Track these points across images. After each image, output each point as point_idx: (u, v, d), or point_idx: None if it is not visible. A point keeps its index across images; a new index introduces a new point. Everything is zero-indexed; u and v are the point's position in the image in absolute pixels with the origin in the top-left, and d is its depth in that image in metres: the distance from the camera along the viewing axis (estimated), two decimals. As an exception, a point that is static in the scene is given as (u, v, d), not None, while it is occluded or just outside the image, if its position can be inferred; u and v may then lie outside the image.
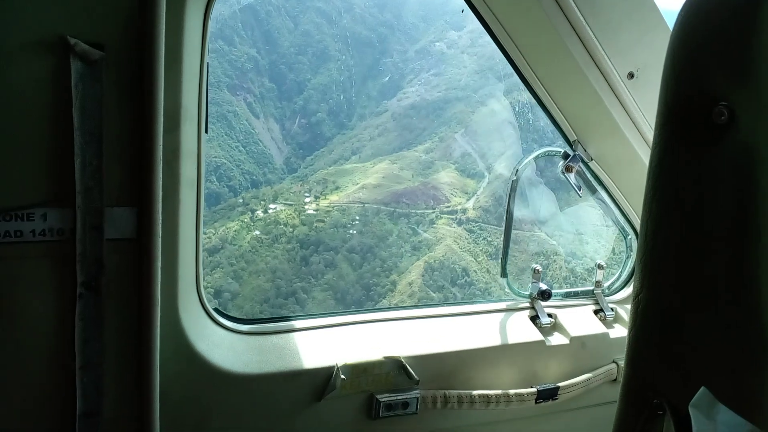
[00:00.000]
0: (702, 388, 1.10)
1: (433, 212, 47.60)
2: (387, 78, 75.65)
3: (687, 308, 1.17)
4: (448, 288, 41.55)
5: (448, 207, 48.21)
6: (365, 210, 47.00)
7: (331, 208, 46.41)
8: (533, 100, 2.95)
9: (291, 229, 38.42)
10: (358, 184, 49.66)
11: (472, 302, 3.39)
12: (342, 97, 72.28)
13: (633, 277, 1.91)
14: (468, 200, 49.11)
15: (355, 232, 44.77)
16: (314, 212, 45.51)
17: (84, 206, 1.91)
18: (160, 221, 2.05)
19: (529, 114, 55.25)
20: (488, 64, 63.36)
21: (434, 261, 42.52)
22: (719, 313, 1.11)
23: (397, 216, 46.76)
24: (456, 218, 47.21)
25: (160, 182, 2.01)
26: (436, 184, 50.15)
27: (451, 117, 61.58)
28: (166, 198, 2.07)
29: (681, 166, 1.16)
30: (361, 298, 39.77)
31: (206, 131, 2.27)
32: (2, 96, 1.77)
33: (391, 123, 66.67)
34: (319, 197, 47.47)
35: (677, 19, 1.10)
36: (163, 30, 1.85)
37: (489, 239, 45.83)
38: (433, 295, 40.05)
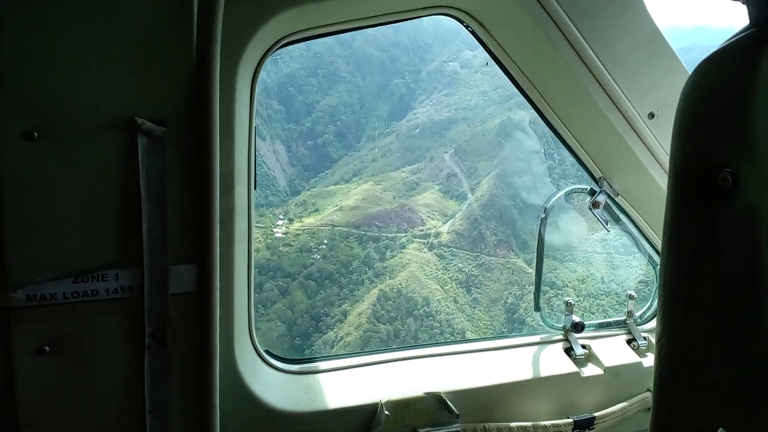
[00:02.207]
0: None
1: (405, 236, 42.66)
2: (397, 99, 71.81)
3: (705, 352, 1.21)
4: (401, 319, 36.29)
5: (422, 230, 43.21)
6: (334, 233, 42.41)
7: (301, 232, 42.15)
8: (533, 115, 2.76)
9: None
10: (337, 206, 45.09)
11: (508, 336, 3.15)
12: (351, 119, 68.92)
13: (655, 320, 1.71)
14: (444, 223, 43.93)
15: (318, 257, 40.45)
16: (283, 236, 41.24)
17: (151, 265, 1.97)
18: (218, 275, 2.07)
19: (523, 134, 50.15)
20: (500, 83, 58.03)
21: (391, 289, 37.50)
22: (735, 356, 1.16)
23: (366, 240, 42.06)
24: (428, 242, 42.19)
25: (218, 240, 2.04)
26: (414, 206, 45.31)
27: (452, 137, 56.93)
28: (223, 253, 2.10)
29: (693, 224, 1.20)
30: (308, 329, 35.09)
31: (255, 188, 2.32)
32: (81, 171, 1.84)
33: (395, 144, 62.78)
34: (294, 220, 43.24)
35: (684, 90, 1.16)
36: (218, 104, 1.92)
37: (460, 266, 40.77)
38: (381, 327, 34.93)
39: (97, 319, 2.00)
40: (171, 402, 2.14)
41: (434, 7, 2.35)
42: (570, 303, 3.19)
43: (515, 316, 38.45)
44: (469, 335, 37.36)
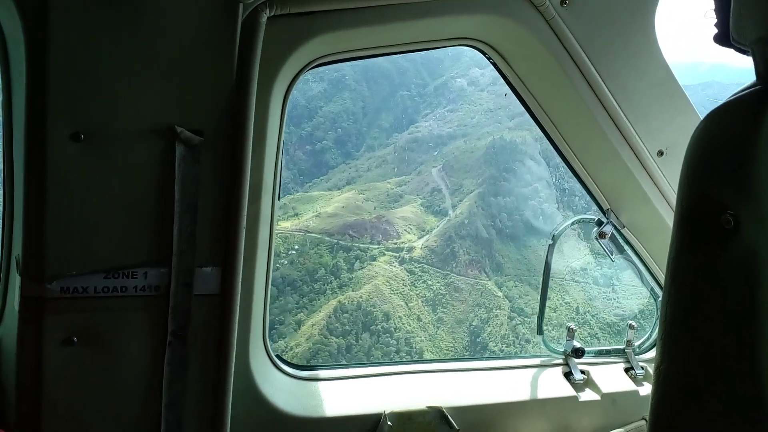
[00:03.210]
0: None
1: (378, 247, 40.66)
2: (401, 111, 70.18)
3: (702, 382, 1.26)
4: (356, 334, 34.22)
5: (395, 244, 41.20)
6: (306, 239, 40.59)
7: (274, 235, 40.17)
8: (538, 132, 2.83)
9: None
10: (316, 212, 43.29)
11: (510, 357, 3.65)
12: (352, 127, 67.42)
13: (655, 348, 1.67)
14: (420, 238, 41.80)
15: (286, 262, 38.58)
16: (254, 237, 39.42)
17: (178, 266, 2.05)
18: (240, 279, 2.15)
19: (511, 154, 47.97)
20: (504, 103, 56.05)
21: (350, 302, 35.51)
22: (731, 387, 1.21)
23: (337, 248, 40.23)
24: (399, 256, 40.11)
25: (243, 245, 2.11)
26: (392, 218, 43.37)
27: (447, 152, 54.98)
28: (246, 259, 2.17)
29: (696, 261, 1.25)
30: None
31: (279, 198, 2.39)
32: (120, 173, 1.92)
33: (391, 155, 61.01)
34: (269, 223, 41.39)
35: (693, 136, 1.22)
36: (253, 118, 2.01)
37: (429, 282, 38.74)
38: (333, 340, 32.93)
39: (123, 313, 2.03)
40: (186, 398, 2.15)
41: (460, 38, 2.38)
42: (572, 329, 3.09)
43: (478, 339, 36.17)
44: (427, 356, 35.15)
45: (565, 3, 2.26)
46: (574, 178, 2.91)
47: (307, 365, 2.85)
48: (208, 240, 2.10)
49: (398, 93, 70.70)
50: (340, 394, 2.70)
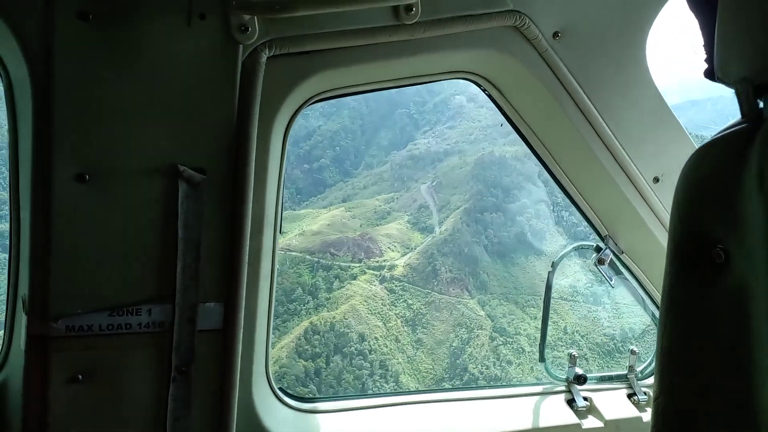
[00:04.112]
0: None
1: (359, 266, 38.94)
2: (399, 128, 68.94)
3: (700, 412, 1.30)
4: (326, 357, 32.31)
5: (377, 262, 39.39)
6: (287, 258, 39.04)
7: (254, 255, 38.79)
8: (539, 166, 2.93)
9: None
10: (300, 230, 41.74)
11: (512, 385, 3.21)
12: (350, 145, 66.30)
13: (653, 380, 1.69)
14: (403, 256, 39.93)
15: (263, 282, 36.67)
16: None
17: (182, 302, 2.05)
18: (243, 313, 2.12)
19: (498, 170, 46.00)
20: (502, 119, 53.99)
21: (323, 323, 33.64)
22: (727, 419, 1.25)
23: (317, 267, 38.60)
24: (380, 275, 38.24)
25: (245, 280, 2.10)
26: (376, 235, 41.65)
27: (442, 169, 53.27)
28: (248, 293, 2.14)
29: (689, 294, 1.28)
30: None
31: (281, 231, 2.36)
32: (124, 211, 1.95)
33: (388, 172, 59.60)
34: (251, 242, 40.04)
35: (682, 171, 1.25)
36: (254, 155, 2.03)
37: (410, 302, 36.82)
38: (301, 363, 31.06)
39: (128, 350, 2.06)
40: None
41: (455, 71, 2.42)
42: (574, 355, 3.01)
43: (458, 361, 33.96)
44: (403, 378, 33.04)
45: (558, 36, 2.33)
46: (572, 205, 2.95)
47: (311, 397, 2.83)
48: (211, 276, 2.09)
49: (397, 111, 69.53)
50: (344, 427, 2.67)
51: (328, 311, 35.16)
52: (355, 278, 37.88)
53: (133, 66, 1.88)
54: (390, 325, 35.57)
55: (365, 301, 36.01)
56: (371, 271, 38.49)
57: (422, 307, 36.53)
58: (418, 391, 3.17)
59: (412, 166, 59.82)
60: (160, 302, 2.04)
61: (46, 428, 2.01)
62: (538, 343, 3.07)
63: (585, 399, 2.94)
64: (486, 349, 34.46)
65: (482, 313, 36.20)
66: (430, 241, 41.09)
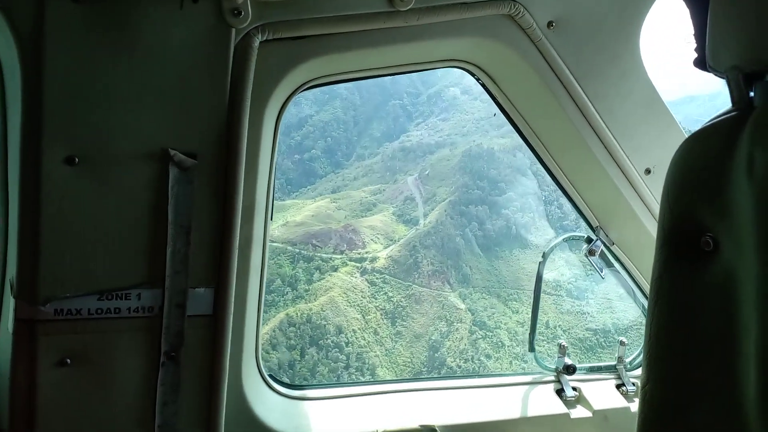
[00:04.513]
0: None
1: (341, 257, 38.22)
2: (392, 119, 68.09)
3: (686, 399, 1.32)
4: (301, 349, 31.70)
5: (359, 254, 38.68)
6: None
7: (235, 245, 38.20)
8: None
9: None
10: (284, 221, 41.03)
11: (501, 375, 3.35)
12: (342, 136, 65.51)
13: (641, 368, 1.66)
14: (385, 248, 39.21)
15: (243, 273, 36.09)
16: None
17: (171, 287, 2.04)
18: (233, 299, 2.12)
19: (485, 162, 45.20)
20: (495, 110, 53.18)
21: (299, 315, 33.01)
22: (714, 405, 1.27)
23: (298, 258, 37.95)
24: (361, 267, 37.55)
25: (235, 266, 2.10)
26: (359, 227, 40.97)
27: (432, 161, 52.48)
28: (238, 279, 2.13)
29: (677, 281, 1.30)
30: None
31: (271, 219, 2.36)
32: (115, 195, 1.94)
33: (378, 164, 58.83)
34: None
35: (672, 160, 1.27)
36: (246, 141, 2.03)
37: (390, 294, 36.20)
38: (274, 355, 30.43)
39: (117, 335, 2.05)
40: (179, 418, 2.17)
41: (449, 60, 2.43)
42: (563, 345, 3.05)
43: (437, 354, 33.32)
44: (380, 371, 32.43)
45: (552, 25, 2.32)
46: (563, 195, 2.94)
47: (300, 384, 2.84)
48: (201, 261, 2.07)
49: (390, 102, 68.64)
50: (334, 414, 2.67)
51: (306, 303, 34.53)
52: (336, 270, 37.26)
53: (124, 49, 1.87)
54: (369, 317, 34.96)
55: (344, 293, 35.40)
56: (353, 263, 37.85)
57: (402, 299, 35.88)
58: (407, 380, 3.18)
59: (403, 158, 59.05)
60: (149, 287, 2.03)
61: (34, 411, 2.00)
62: (528, 333, 3.12)
63: (574, 389, 2.93)
64: (465, 342, 33.83)
65: (462, 306, 35.56)
66: (414, 233, 40.37)
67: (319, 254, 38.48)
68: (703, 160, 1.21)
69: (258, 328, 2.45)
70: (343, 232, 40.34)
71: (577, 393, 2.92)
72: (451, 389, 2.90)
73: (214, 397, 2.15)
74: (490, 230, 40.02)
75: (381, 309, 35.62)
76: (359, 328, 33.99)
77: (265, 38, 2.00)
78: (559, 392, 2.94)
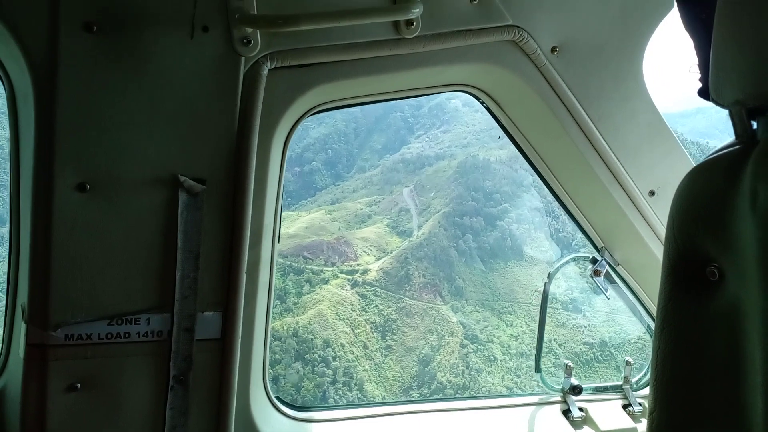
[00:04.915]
0: None
1: (332, 270, 37.50)
2: (394, 132, 67.58)
3: (694, 427, 1.31)
4: (286, 364, 30.87)
5: (351, 266, 37.91)
6: (259, 262, 37.47)
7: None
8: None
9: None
10: (277, 233, 40.22)
11: (508, 396, 3.16)
12: (343, 149, 65.12)
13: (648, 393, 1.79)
14: (378, 260, 38.44)
15: (232, 286, 35.43)
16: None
17: (180, 312, 2.05)
18: (241, 323, 2.12)
19: (480, 173, 44.38)
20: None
21: (286, 329, 32.18)
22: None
23: (289, 271, 37.27)
24: (352, 279, 36.72)
25: (243, 290, 2.11)
26: (352, 239, 40.26)
27: (431, 173, 51.79)
28: (246, 303, 2.14)
29: (683, 311, 1.30)
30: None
31: (278, 241, 2.31)
32: (125, 221, 1.95)
33: (378, 176, 58.25)
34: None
35: (677, 191, 1.28)
36: (254, 166, 2.05)
37: (380, 307, 35.40)
38: (257, 369, 29.48)
39: (126, 359, 2.06)
40: None
41: (453, 84, 2.42)
42: (569, 366, 3.01)
43: (427, 369, 32.33)
44: (368, 387, 31.49)
45: (556, 50, 2.33)
46: (567, 216, 2.92)
47: (307, 406, 2.70)
48: (209, 285, 2.08)
49: (392, 114, 68.23)
50: None
51: (294, 316, 33.75)
52: (326, 282, 36.50)
53: (136, 77, 1.89)
54: (359, 330, 34.08)
55: (334, 306, 34.60)
56: (344, 276, 37.10)
57: (393, 312, 34.99)
58: (415, 401, 3.12)
59: (403, 169, 58.43)
60: (158, 311, 2.04)
61: None
62: (534, 354, 3.07)
63: (580, 410, 2.93)
64: (455, 356, 32.82)
65: (454, 319, 34.59)
66: (407, 245, 39.55)
67: (309, 267, 37.77)
68: (707, 192, 1.21)
69: (265, 350, 2.44)
70: (336, 244, 39.64)
71: (583, 414, 2.89)
72: (460, 410, 2.87)
73: (222, 421, 2.16)
74: (485, 242, 39.11)
75: (371, 322, 34.75)
76: (348, 342, 33.14)
77: (273, 66, 2.01)
78: (566, 413, 2.91)
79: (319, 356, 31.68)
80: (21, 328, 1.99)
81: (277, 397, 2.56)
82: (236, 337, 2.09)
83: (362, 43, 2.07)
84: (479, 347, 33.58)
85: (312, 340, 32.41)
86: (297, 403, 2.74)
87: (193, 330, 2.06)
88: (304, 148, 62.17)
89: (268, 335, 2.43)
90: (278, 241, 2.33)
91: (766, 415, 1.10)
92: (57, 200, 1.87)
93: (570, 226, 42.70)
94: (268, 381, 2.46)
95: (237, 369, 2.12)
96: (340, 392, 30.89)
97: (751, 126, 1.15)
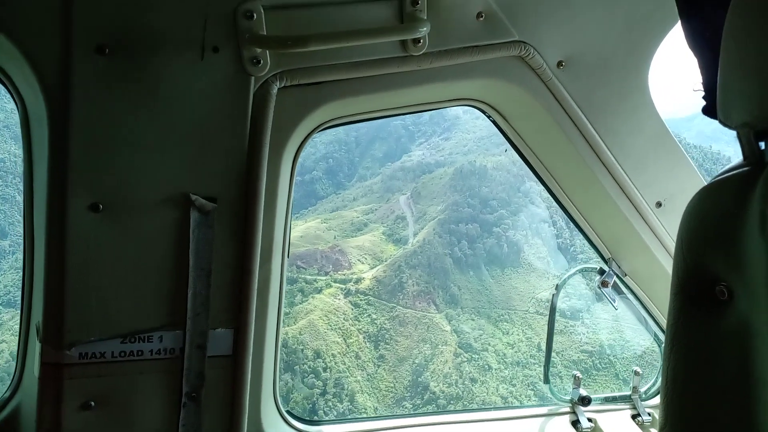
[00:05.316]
0: None
1: (325, 279, 36.93)
2: (395, 140, 67.12)
3: None
4: (274, 374, 30.07)
5: (344, 275, 37.30)
6: (252, 272, 37.06)
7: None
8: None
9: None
10: (273, 242, 39.85)
11: (517, 407, 3.53)
12: (344, 157, 64.71)
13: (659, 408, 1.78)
14: (372, 269, 37.80)
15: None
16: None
17: (192, 329, 2.06)
18: (252, 339, 2.14)
19: (479, 180, 43.68)
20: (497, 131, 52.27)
21: (276, 338, 31.36)
22: None
23: (282, 280, 36.12)
24: (345, 288, 36.13)
25: (254, 307, 2.12)
26: (347, 248, 39.68)
27: (425, 179, 51.18)
28: (257, 319, 2.16)
29: (693, 329, 1.30)
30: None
31: (288, 256, 2.35)
32: (137, 240, 1.96)
33: (378, 184, 57.70)
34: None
35: (686, 210, 1.28)
36: (264, 183, 2.06)
37: (374, 316, 34.64)
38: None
39: (139, 377, 2.07)
40: None
41: (460, 99, 2.44)
42: (578, 377, 2.99)
43: (420, 379, 31.57)
44: (360, 398, 30.78)
45: (562, 65, 2.34)
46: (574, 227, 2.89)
47: (318, 420, 2.76)
48: (221, 302, 2.09)
49: (393, 122, 67.71)
50: None
51: (285, 326, 33.15)
52: (319, 292, 35.91)
53: (148, 98, 1.90)
54: (351, 340, 33.40)
55: (326, 316, 33.98)
56: (337, 285, 36.50)
57: (386, 322, 34.26)
58: (426, 413, 3.36)
59: (403, 177, 57.82)
60: (171, 329, 2.05)
61: None
62: (543, 365, 3.06)
63: (589, 420, 2.93)
64: (449, 366, 32.01)
65: (447, 327, 33.79)
66: (401, 253, 38.86)
67: (303, 276, 37.21)
68: (716, 212, 1.21)
69: (276, 366, 2.43)
70: (330, 253, 39.07)
71: (592, 424, 2.90)
72: (470, 422, 2.89)
73: None
74: (480, 249, 38.34)
75: (364, 332, 34.05)
76: (339, 353, 32.46)
77: (283, 85, 2.03)
78: (575, 423, 2.92)
79: (309, 367, 31.05)
80: (36, 347, 1.99)
81: (288, 412, 2.55)
82: (247, 354, 2.09)
83: (370, 61, 2.07)
84: (473, 356, 32.77)
85: (302, 350, 31.79)
86: (347, 418, 2.75)
87: (205, 347, 2.06)
88: (305, 157, 61.74)
89: (279, 350, 2.41)
90: (288, 256, 2.34)
91: None
92: (71, 220, 1.88)
93: (567, 231, 41.86)
94: (278, 396, 2.44)
95: (248, 384, 2.12)
96: (330, 404, 30.22)
97: (759, 148, 1.14)
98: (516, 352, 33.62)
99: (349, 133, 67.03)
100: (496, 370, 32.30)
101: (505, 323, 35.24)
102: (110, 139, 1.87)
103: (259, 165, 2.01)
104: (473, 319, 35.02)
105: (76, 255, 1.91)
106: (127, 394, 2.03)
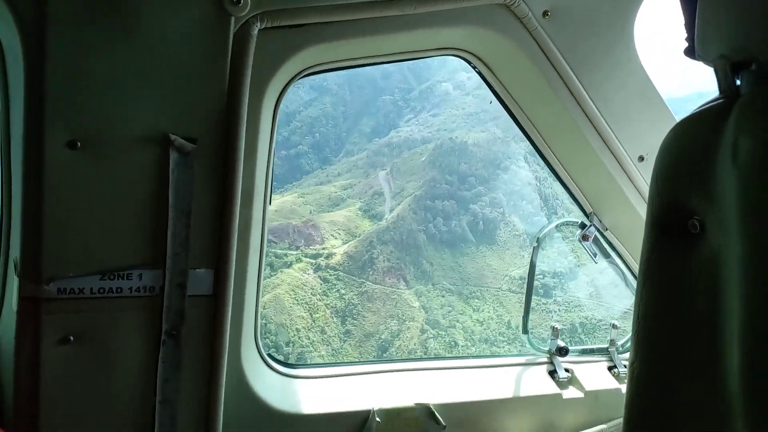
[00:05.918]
0: None
1: (296, 253, 36.17)
2: (383, 115, 65.85)
3: (673, 377, 1.34)
4: (234, 348, 29.50)
5: (315, 250, 36.47)
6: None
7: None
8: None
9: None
10: (247, 216, 39.08)
11: (496, 356, 3.43)
12: (331, 132, 63.54)
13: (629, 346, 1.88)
14: (345, 244, 37.01)
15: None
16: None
17: (172, 268, 2.06)
18: (233, 281, 2.17)
19: (458, 157, 42.62)
20: (487, 106, 51.60)
21: (238, 312, 30.72)
22: (699, 384, 1.29)
23: (252, 254, 35.39)
24: (315, 263, 35.37)
25: (235, 248, 2.13)
26: (320, 222, 38.78)
27: (406, 155, 50.11)
28: (238, 261, 2.18)
29: (665, 263, 1.33)
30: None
31: (270, 203, 2.40)
32: (116, 179, 1.95)
33: (363, 160, 56.65)
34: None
35: (661, 146, 1.29)
36: (245, 126, 2.05)
37: (342, 291, 33.91)
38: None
39: (119, 314, 2.08)
40: (180, 395, 2.21)
41: (446, 48, 2.43)
42: (556, 328, 3.07)
43: (385, 354, 31.00)
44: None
45: (547, 15, 2.34)
46: (558, 182, 2.93)
47: (297, 363, 2.83)
48: (201, 243, 2.10)
49: (381, 97, 66.39)
50: (331, 392, 2.70)
51: (251, 300, 32.62)
52: (289, 266, 35.17)
53: (125, 35, 1.86)
54: (317, 315, 32.75)
55: (293, 291, 33.27)
56: (307, 259, 35.81)
57: (355, 297, 33.56)
58: (402, 360, 3.16)
59: (389, 153, 56.72)
60: (150, 267, 2.03)
61: (38, 388, 2.01)
62: (521, 316, 3.11)
63: (566, 370, 2.95)
64: (415, 342, 31.38)
65: (416, 304, 33.10)
66: (374, 228, 37.99)
67: (273, 250, 36.42)
68: (690, 146, 1.21)
69: (257, 308, 2.45)
70: (302, 228, 38.27)
71: (569, 374, 2.93)
72: (446, 369, 2.89)
73: (214, 375, 2.17)
74: (456, 226, 37.46)
75: (331, 307, 33.37)
76: (304, 327, 31.83)
77: (264, 26, 1.99)
78: (552, 373, 2.95)
79: (271, 341, 30.43)
80: (14, 282, 1.98)
81: (269, 354, 2.58)
82: (228, 294, 2.10)
83: (354, 4, 2.05)
84: (440, 332, 32.16)
85: (265, 324, 31.13)
86: (328, 363, 2.77)
87: (185, 286, 2.05)
88: (290, 131, 60.67)
89: (260, 293, 2.43)
90: (270, 203, 2.35)
91: (741, 362, 1.10)
92: (48, 157, 1.85)
93: (546, 210, 40.95)
94: (259, 338, 2.49)
95: (228, 325, 2.13)
96: (290, 378, 29.84)
97: (734, 81, 1.13)
98: (485, 329, 32.98)
99: (337, 108, 65.77)
100: (462, 347, 31.69)
101: (476, 300, 34.57)
102: (87, 75, 1.83)
103: (239, 107, 1.98)
104: (443, 296, 34.33)
105: (54, 191, 1.87)
106: (107, 330, 2.02)
